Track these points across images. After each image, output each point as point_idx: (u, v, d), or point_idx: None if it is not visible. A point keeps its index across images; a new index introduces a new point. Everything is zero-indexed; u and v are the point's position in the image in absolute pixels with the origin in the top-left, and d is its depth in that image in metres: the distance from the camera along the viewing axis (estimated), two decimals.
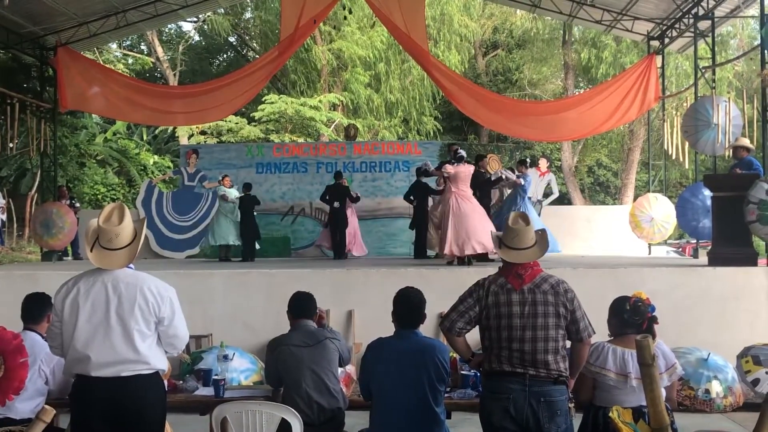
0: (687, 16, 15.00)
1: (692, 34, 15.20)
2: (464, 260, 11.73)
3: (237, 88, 16.32)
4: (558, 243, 14.03)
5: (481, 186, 13.03)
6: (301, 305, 5.71)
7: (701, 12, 14.36)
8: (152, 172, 27.39)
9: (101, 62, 23.86)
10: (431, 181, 14.51)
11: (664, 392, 4.50)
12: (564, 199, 28.17)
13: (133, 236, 4.49)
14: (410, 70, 29.01)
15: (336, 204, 14.71)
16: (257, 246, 15.10)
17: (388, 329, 5.15)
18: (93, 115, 26.86)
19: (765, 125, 11.48)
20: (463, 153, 12.31)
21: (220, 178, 15.31)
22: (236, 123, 26.23)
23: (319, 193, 16.28)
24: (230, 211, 14.92)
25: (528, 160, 13.72)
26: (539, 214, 14.79)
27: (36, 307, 5.52)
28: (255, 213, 15.01)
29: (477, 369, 4.91)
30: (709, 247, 11.58)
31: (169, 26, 33.44)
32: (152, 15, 16.77)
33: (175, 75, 31.63)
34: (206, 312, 10.00)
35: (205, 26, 31.81)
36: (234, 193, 15.01)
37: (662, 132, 16.50)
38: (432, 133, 30.31)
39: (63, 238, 15.46)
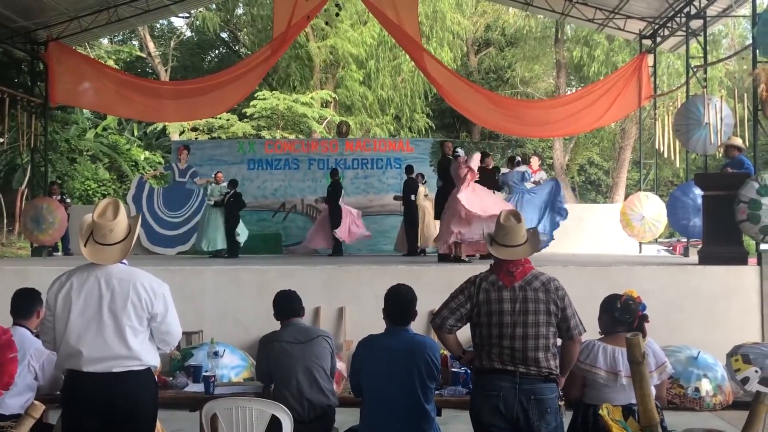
0: (679, 15, 15.03)
1: (684, 33, 15.25)
2: (456, 257, 11.85)
3: (230, 87, 16.33)
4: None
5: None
6: (284, 306, 5.69)
7: (693, 11, 14.40)
8: (143, 168, 27.32)
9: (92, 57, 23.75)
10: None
11: (654, 390, 4.51)
12: None
13: (127, 232, 4.49)
14: (400, 66, 29.02)
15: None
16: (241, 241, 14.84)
17: (379, 326, 5.15)
18: (84, 111, 26.81)
19: (756, 124, 11.51)
20: (460, 152, 12.49)
21: (213, 175, 15.18)
22: (227, 119, 26.19)
23: (311, 190, 16.36)
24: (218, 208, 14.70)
25: (518, 158, 13.67)
26: None
27: (25, 303, 5.50)
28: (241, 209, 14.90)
29: (468, 366, 4.90)
30: (700, 246, 11.62)
31: (161, 22, 33.38)
32: (144, 10, 16.72)
33: (166, 71, 31.55)
34: (197, 308, 9.99)
35: (197, 22, 31.76)
36: (217, 192, 14.73)
37: (654, 131, 16.55)
38: (424, 131, 30.34)
39: (53, 234, 15.40)
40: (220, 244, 14.53)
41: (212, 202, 14.62)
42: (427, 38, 27.53)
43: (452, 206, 11.90)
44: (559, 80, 30.03)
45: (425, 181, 15.34)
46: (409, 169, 15.10)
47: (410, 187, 14.80)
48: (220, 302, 10.21)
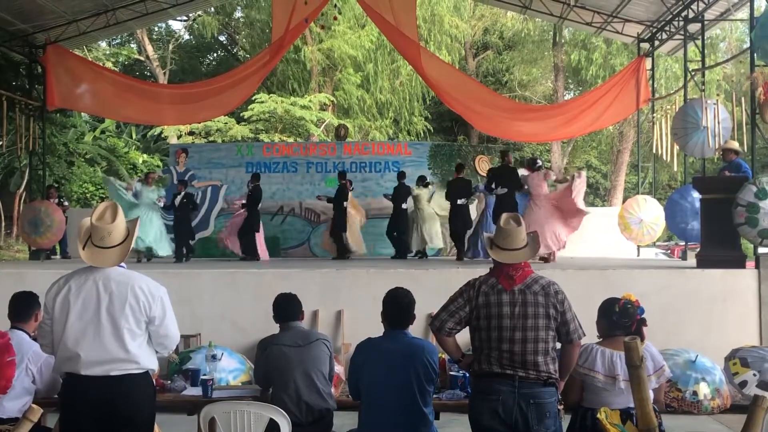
0: (677, 18, 15.06)
1: (682, 37, 15.28)
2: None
3: (229, 91, 16.35)
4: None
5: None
6: (283, 309, 5.67)
7: (691, 15, 14.43)
8: (141, 171, 27.32)
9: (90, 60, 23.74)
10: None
11: (652, 394, 4.51)
12: None
13: (125, 235, 4.49)
14: (399, 70, 29.03)
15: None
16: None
17: (377, 329, 5.14)
18: (82, 114, 26.81)
19: (754, 128, 11.52)
20: (540, 162, 13.57)
21: (142, 176, 14.99)
22: (225, 123, 26.19)
23: (309, 193, 16.37)
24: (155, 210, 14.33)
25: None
26: None
27: (23, 306, 5.49)
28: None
29: (467, 370, 4.90)
30: (698, 250, 11.63)
31: (159, 25, 33.40)
32: (142, 13, 16.77)
33: (165, 74, 31.58)
34: (195, 311, 9.97)
35: (195, 25, 31.79)
36: (146, 194, 14.18)
37: (652, 134, 16.56)
38: (422, 134, 30.38)
39: (51, 237, 15.40)
40: (153, 243, 14.13)
41: (161, 204, 14.30)
42: (425, 41, 27.53)
43: (559, 213, 12.78)
44: (557, 83, 30.06)
45: (353, 188, 15.65)
46: (342, 176, 15.27)
47: (343, 193, 14.99)
48: (217, 305, 10.19)
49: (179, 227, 14.42)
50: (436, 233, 15.17)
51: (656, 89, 17.60)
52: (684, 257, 15.63)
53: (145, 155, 29.29)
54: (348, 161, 17.38)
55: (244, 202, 15.22)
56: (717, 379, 9.00)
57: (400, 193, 15.03)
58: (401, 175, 15.31)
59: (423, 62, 16.13)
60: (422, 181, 15.22)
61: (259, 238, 15.01)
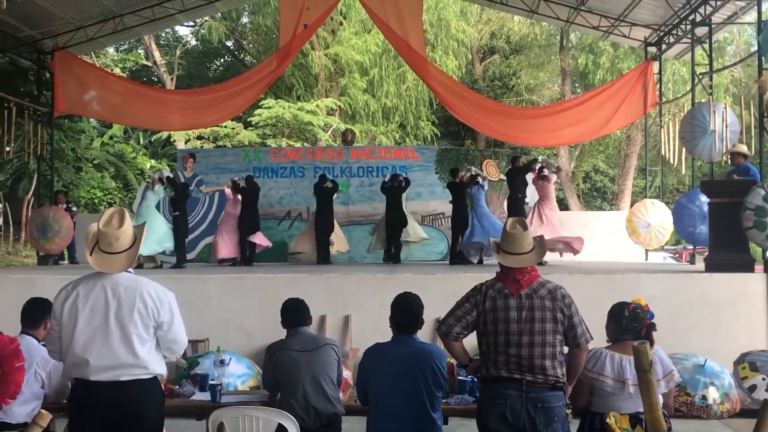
0: (684, 22, 15.05)
1: (689, 41, 15.27)
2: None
3: (236, 97, 16.40)
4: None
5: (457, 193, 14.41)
6: (291, 314, 5.67)
7: (698, 18, 14.42)
8: (149, 177, 27.36)
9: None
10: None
11: (661, 398, 4.49)
12: (561, 205, 28.01)
13: (132, 240, 4.49)
14: (405, 74, 29.04)
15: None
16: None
17: (385, 334, 5.14)
18: (90, 119, 26.90)
19: (762, 131, 11.49)
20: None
21: (149, 180, 14.91)
22: (233, 128, 26.23)
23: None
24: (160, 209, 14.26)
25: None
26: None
27: (36, 312, 5.48)
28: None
29: (474, 374, 4.89)
30: (706, 253, 11.60)
31: (166, 31, 33.49)
32: (149, 19, 16.81)
33: (172, 79, 31.64)
34: (202, 316, 9.97)
35: (202, 31, 31.87)
36: (159, 194, 14.07)
37: (659, 138, 16.54)
38: (429, 138, 30.39)
39: (59, 242, 15.43)
40: (168, 245, 13.97)
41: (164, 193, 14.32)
42: (432, 46, 27.57)
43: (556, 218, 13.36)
44: (564, 87, 30.02)
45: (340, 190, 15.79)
46: (323, 178, 15.34)
47: (329, 194, 15.13)
48: (225, 310, 10.19)
49: (176, 227, 14.23)
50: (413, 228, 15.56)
51: (664, 93, 17.57)
52: (692, 261, 15.60)
53: (152, 160, 29.36)
54: (355, 166, 17.39)
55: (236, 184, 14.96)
56: (726, 383, 8.98)
57: (393, 191, 15.10)
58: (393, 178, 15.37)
59: (430, 74, 16.24)
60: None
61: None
